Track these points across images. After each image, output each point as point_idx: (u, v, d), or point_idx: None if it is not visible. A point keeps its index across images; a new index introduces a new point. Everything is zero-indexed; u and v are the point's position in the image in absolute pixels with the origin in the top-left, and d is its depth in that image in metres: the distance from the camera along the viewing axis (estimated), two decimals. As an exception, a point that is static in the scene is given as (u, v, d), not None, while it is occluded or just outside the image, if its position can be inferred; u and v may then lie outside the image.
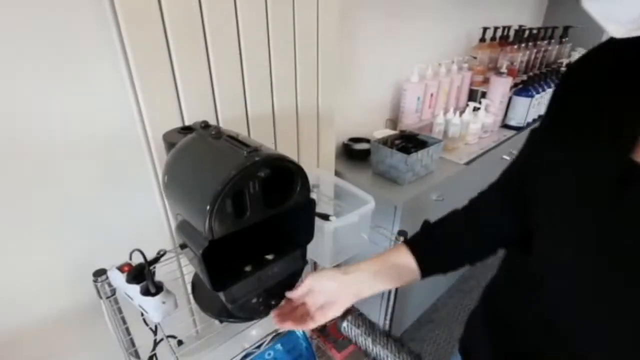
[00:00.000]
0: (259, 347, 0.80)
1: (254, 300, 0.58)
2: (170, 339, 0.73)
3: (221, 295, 0.54)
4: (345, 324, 0.56)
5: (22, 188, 0.66)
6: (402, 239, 0.82)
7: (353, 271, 0.55)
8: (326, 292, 0.55)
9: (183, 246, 0.56)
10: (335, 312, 0.54)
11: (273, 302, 0.61)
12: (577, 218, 0.39)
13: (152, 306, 0.61)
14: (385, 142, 1.15)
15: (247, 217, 0.48)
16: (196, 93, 0.73)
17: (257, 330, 0.88)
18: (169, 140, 0.59)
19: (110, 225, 0.79)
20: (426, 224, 0.61)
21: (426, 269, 0.55)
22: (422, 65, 1.36)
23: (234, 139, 0.50)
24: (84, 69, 0.65)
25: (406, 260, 0.56)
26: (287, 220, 0.58)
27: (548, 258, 0.44)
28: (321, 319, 0.55)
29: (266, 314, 0.62)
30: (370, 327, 0.56)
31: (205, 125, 0.57)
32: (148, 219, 0.83)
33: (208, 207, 0.44)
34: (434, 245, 0.57)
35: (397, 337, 0.56)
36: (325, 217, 0.71)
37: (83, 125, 0.69)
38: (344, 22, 1.08)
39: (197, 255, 0.46)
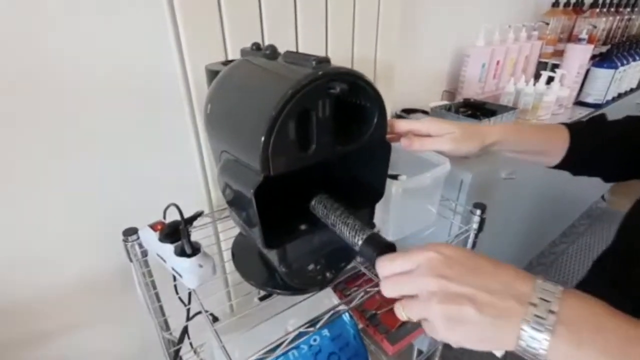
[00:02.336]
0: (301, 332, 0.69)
1: (310, 267, 0.46)
2: (201, 315, 0.63)
3: (273, 256, 0.43)
4: (314, 202, 0.45)
5: (45, 127, 0.59)
6: (478, 212, 0.68)
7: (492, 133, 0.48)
8: (445, 129, 0.47)
9: (231, 203, 0.45)
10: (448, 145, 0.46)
11: (329, 275, 0.50)
12: None
13: (188, 269, 0.51)
14: (449, 109, 1.00)
15: (313, 152, 0.37)
16: (242, 32, 0.63)
17: (295, 317, 0.78)
18: (212, 69, 0.49)
19: (142, 180, 0.71)
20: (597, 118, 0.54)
21: (574, 149, 0.49)
22: (490, 26, 1.19)
23: (294, 55, 0.39)
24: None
25: (558, 129, 0.50)
26: (354, 168, 0.46)
27: None
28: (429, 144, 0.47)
29: (321, 286, 0.51)
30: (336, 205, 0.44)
31: (257, 47, 0.46)
32: (184, 178, 0.74)
33: (266, 128, 0.33)
34: (594, 133, 0.50)
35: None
36: (393, 176, 0.59)
37: (115, 57, 0.60)
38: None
39: (248, 196, 0.35)
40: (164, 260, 0.56)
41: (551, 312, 0.25)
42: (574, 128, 0.51)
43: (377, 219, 0.61)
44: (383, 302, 0.85)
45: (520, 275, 0.28)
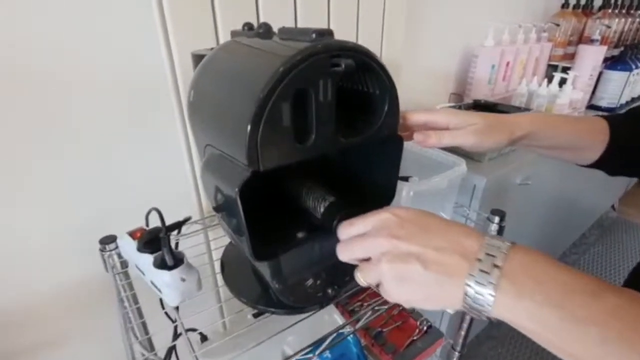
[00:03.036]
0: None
1: (309, 282, 0.39)
2: (190, 333, 0.56)
3: (264, 269, 0.36)
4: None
5: (22, 127, 0.53)
6: (497, 220, 0.62)
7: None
8: (467, 120, 0.41)
9: (217, 207, 0.39)
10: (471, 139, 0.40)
11: (330, 291, 0.43)
12: None
13: (168, 283, 0.44)
14: (458, 109, 0.94)
15: (312, 143, 0.30)
16: (236, 17, 0.57)
17: (294, 334, 0.70)
18: (199, 54, 0.43)
19: (127, 183, 0.64)
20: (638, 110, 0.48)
21: (614, 143, 0.43)
22: (499, 26, 1.13)
23: (291, 31, 0.33)
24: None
25: (595, 120, 0.45)
26: (360, 165, 0.40)
27: None
28: (449, 138, 0.40)
29: (322, 305, 0.44)
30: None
31: (249, 27, 0.40)
32: (174, 180, 0.67)
33: (253, 114, 0.27)
34: (637, 126, 0.44)
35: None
36: (402, 178, 0.52)
37: (99, 49, 0.54)
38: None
39: (232, 195, 0.29)
40: (143, 273, 0.49)
41: (495, 266, 0.25)
42: (613, 120, 0.44)
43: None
44: (390, 320, 0.78)
45: (471, 232, 0.28)
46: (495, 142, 0.39)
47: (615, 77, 1.32)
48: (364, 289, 0.80)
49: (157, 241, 0.46)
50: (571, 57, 1.48)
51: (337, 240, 0.36)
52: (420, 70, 1.13)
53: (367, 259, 0.31)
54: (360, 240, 0.31)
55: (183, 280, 0.45)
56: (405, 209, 0.31)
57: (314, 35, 0.29)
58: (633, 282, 0.48)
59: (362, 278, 0.31)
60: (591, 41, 1.25)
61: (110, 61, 0.55)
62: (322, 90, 0.29)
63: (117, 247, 0.55)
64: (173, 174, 0.67)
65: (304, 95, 0.29)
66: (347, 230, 0.32)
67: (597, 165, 0.45)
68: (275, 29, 0.37)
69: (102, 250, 0.55)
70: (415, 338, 0.75)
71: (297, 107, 0.29)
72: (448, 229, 0.29)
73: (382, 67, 0.33)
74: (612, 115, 0.46)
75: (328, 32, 0.29)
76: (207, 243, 0.68)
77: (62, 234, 0.62)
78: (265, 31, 0.36)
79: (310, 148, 0.30)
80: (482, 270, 0.25)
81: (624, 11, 1.50)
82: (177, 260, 0.46)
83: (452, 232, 0.28)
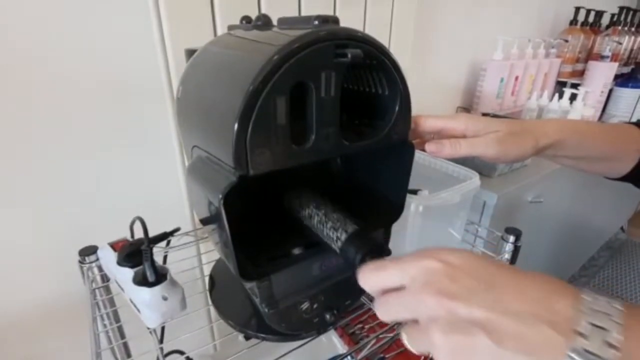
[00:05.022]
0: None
1: (305, 306, 0.35)
2: (175, 356, 0.51)
3: (253, 289, 0.32)
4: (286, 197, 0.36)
5: (3, 130, 0.49)
6: (512, 239, 0.57)
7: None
8: (488, 127, 0.36)
9: (203, 219, 0.34)
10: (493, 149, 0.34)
11: (329, 317, 0.38)
12: None
13: (147, 301, 0.39)
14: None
15: (311, 145, 0.26)
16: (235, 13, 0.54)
17: (290, 357, 0.64)
18: (192, 49, 0.39)
19: (115, 190, 0.60)
20: None
21: None
22: (508, 39, 1.11)
23: (291, 20, 0.29)
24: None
25: (627, 128, 0.40)
26: (366, 174, 0.35)
27: None
28: (467, 147, 0.35)
29: (319, 332, 0.39)
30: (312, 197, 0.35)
31: (247, 20, 0.36)
32: (165, 189, 0.63)
33: (241, 109, 0.23)
34: None
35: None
36: (411, 191, 0.48)
37: (89, 47, 0.51)
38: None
39: (216, 203, 0.24)
40: (123, 289, 0.45)
41: (609, 345, 0.17)
42: None
43: (390, 243, 0.49)
44: (393, 344, 0.72)
45: (558, 288, 0.20)
46: (520, 151, 0.35)
47: (627, 94, 1.28)
48: (366, 311, 0.74)
49: (138, 254, 0.42)
50: (580, 74, 1.45)
51: (339, 261, 0.31)
52: (427, 82, 1.10)
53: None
54: (399, 297, 0.23)
55: (165, 299, 0.40)
56: (456, 253, 0.23)
57: (316, 22, 0.25)
58: None
59: (410, 344, 0.23)
60: (601, 57, 1.22)
61: (103, 60, 0.52)
62: (324, 84, 0.25)
63: (97, 259, 0.51)
64: (164, 182, 0.63)
65: (303, 90, 0.25)
66: (379, 277, 0.25)
67: (630, 177, 0.40)
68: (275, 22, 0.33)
69: (82, 262, 0.51)
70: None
71: (295, 103, 0.25)
72: (523, 283, 0.21)
73: (394, 63, 0.29)
74: None
75: (333, 19, 0.26)
76: (198, 256, 0.63)
77: (44, 243, 0.57)
78: (264, 23, 0.33)
79: (309, 151, 0.26)
80: (588, 351, 0.18)
81: (633, 29, 1.48)
82: (160, 276, 0.41)
83: (530, 287, 0.21)
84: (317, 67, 0.24)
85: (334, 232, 0.29)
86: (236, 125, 0.23)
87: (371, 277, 0.25)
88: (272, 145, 0.25)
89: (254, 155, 0.24)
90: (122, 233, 0.48)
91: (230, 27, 0.38)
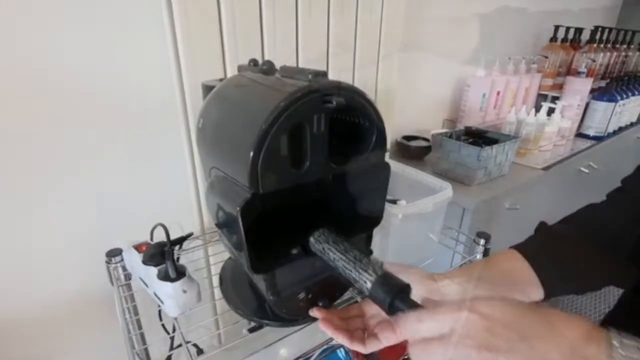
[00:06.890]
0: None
1: (301, 296, 0.43)
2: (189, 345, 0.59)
3: (260, 282, 0.40)
4: (312, 239, 0.40)
5: (36, 143, 0.57)
6: (482, 242, 0.65)
7: (444, 278, 0.37)
8: None
9: (219, 224, 0.42)
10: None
11: (321, 304, 0.46)
12: None
13: (170, 294, 0.47)
14: (450, 136, 0.99)
15: (306, 170, 0.34)
16: (242, 53, 0.62)
17: (287, 346, 0.72)
18: (209, 85, 0.48)
19: (134, 199, 0.68)
20: (544, 226, 0.47)
21: (550, 283, 0.37)
22: (490, 57, 1.20)
23: (290, 69, 0.37)
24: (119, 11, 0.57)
25: (520, 266, 0.39)
26: (351, 190, 0.44)
27: None
28: (385, 340, 0.35)
29: (314, 318, 0.47)
30: (338, 241, 0.39)
31: (254, 63, 0.45)
32: (179, 197, 0.71)
33: (256, 142, 0.31)
34: (559, 250, 0.40)
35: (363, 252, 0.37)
36: (391, 201, 0.56)
37: (113, 73, 0.59)
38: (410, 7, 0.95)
39: (234, 213, 0.33)
40: (147, 285, 0.52)
41: None
42: (525, 248, 0.41)
43: (375, 247, 0.58)
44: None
45: (587, 332, 0.21)
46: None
47: (602, 108, 1.38)
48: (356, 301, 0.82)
49: (161, 255, 0.50)
50: (560, 87, 1.54)
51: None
52: (415, 96, 1.19)
53: None
54: (441, 346, 0.24)
55: (184, 292, 0.48)
56: (489, 305, 0.24)
57: (310, 76, 0.33)
58: (617, 313, 0.49)
59: None
60: (578, 73, 1.32)
61: (128, 89, 0.61)
62: (316, 123, 0.33)
63: (122, 260, 0.58)
64: (179, 191, 0.71)
65: (300, 127, 0.33)
66: (420, 328, 0.26)
67: (551, 294, 0.39)
68: (277, 65, 0.41)
69: (108, 262, 0.58)
70: (406, 357, 0.76)
71: (294, 137, 0.33)
72: (554, 330, 0.22)
73: (369, 102, 0.37)
74: (525, 243, 0.44)
75: (322, 74, 0.34)
76: (206, 258, 0.71)
77: (70, 247, 0.65)
78: (268, 68, 0.41)
79: (305, 174, 0.34)
80: None
81: (609, 45, 1.58)
82: (179, 273, 0.49)
83: (563, 335, 0.22)
84: (310, 112, 0.33)
85: (359, 274, 0.33)
86: (251, 154, 0.31)
87: (412, 327, 0.27)
88: (277, 169, 0.33)
89: (264, 178, 0.32)
90: (135, 237, 0.56)
91: (240, 68, 0.46)
